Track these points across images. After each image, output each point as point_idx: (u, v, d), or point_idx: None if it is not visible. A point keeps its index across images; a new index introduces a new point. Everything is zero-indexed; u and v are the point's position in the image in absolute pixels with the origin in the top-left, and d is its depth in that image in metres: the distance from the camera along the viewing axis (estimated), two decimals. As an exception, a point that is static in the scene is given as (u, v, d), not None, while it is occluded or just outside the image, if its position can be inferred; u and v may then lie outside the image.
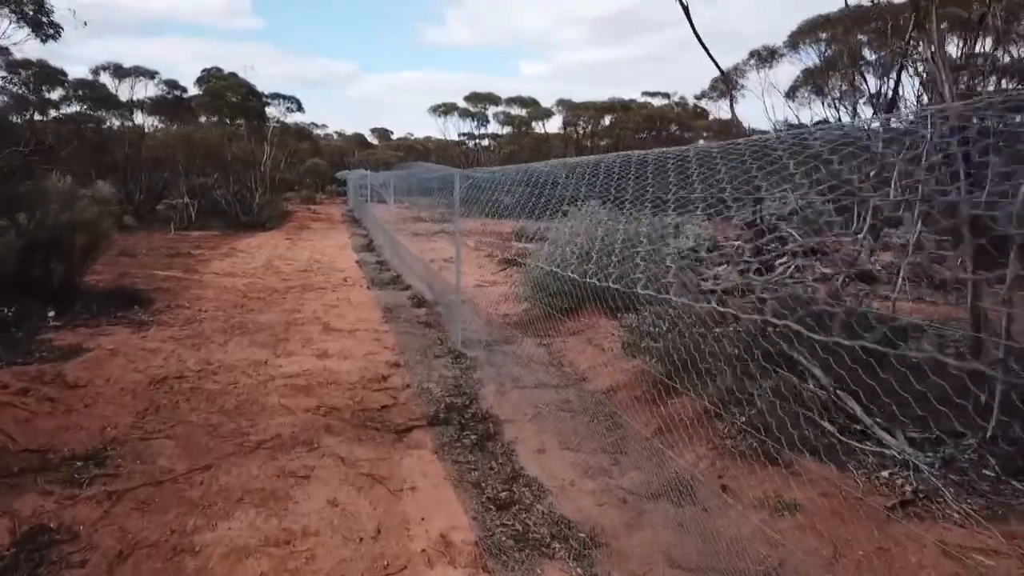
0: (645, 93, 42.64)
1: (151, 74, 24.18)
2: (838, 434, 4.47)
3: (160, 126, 25.00)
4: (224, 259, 15.66)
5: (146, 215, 24.38)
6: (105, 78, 24.53)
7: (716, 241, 14.67)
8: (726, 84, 17.01)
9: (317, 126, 59.58)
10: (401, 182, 17.39)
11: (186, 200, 23.54)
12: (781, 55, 18.21)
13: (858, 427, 4.58)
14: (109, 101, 23.63)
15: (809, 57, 20.22)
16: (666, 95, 42.98)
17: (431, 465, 4.64)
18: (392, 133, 66.60)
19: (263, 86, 29.19)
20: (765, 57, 18.43)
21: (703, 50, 9.01)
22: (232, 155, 24.66)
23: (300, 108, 28.68)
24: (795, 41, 17.32)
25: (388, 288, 12.01)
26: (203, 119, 26.30)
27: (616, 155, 5.65)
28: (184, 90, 25.24)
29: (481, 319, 9.17)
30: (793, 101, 23.28)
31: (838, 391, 4.83)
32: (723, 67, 19.88)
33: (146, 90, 24.14)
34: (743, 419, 4.69)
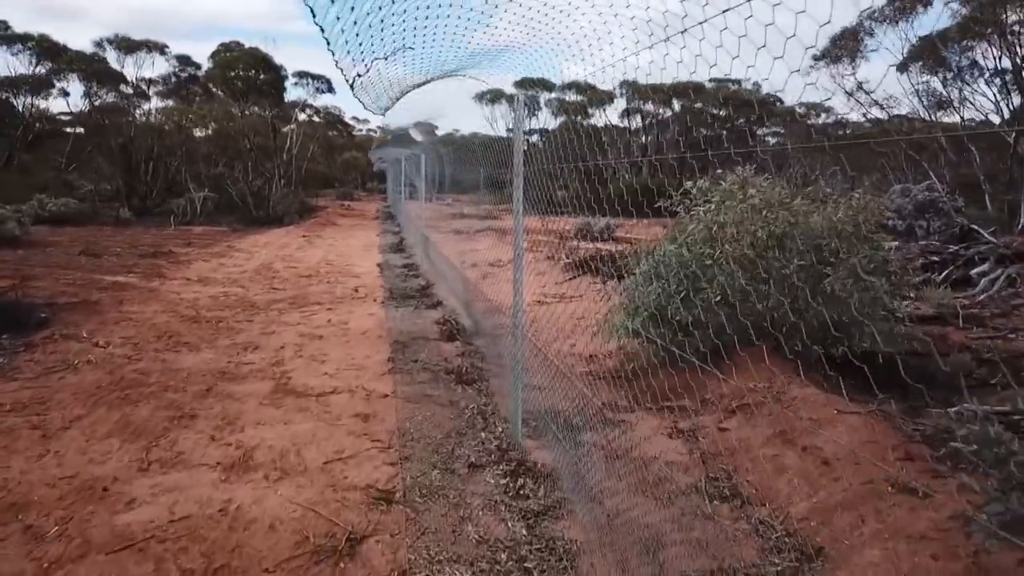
0: (713, 80, 38.47)
1: (160, 48, 21.08)
2: None
3: (167, 105, 21.90)
4: (211, 260, 12.25)
5: (153, 208, 21.31)
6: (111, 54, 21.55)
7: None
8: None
9: (359, 120, 56.82)
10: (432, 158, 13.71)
11: (199, 193, 20.38)
12: (928, 3, 14.01)
13: None
14: (110, 76, 20.59)
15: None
16: (736, 81, 38.75)
17: None
18: (437, 128, 63.49)
19: (293, 66, 25.90)
20: (906, 6, 14.27)
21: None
22: (249, 141, 21.41)
23: (331, 89, 25.31)
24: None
25: (411, 304, 8.36)
26: (231, 109, 23.17)
27: None
28: (197, 67, 22.12)
29: (549, 365, 5.44)
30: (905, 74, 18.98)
31: None
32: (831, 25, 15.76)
33: (154, 66, 21.04)
34: None
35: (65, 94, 22.89)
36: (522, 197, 4.10)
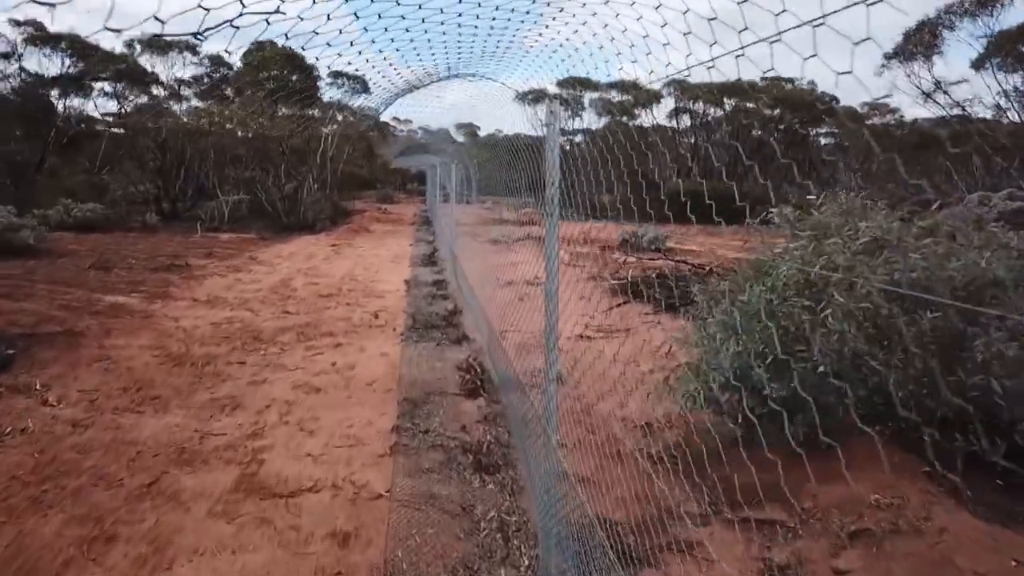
0: (766, 79, 36.72)
1: (192, 48, 20.47)
2: None
3: (200, 106, 21.30)
4: (227, 275, 11.38)
5: (183, 213, 20.73)
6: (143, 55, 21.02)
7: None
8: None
9: (400, 121, 56.28)
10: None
11: (229, 198, 19.73)
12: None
13: None
14: (142, 77, 20.04)
15: None
16: (790, 80, 36.97)
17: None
18: (479, 129, 62.76)
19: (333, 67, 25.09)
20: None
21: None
22: (282, 144, 20.66)
23: (367, 90, 24.41)
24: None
25: (433, 337, 7.30)
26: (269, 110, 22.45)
27: None
28: (229, 67, 21.46)
29: (584, 436, 4.32)
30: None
31: None
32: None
33: (184, 66, 20.44)
34: None
35: (106, 95, 22.52)
36: (557, 231, 2.98)
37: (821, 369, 3.70)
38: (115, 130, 23.22)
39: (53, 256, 12.49)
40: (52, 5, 1.64)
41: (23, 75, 20.93)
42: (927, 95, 14.99)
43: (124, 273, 11.02)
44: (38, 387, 5.03)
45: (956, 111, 15.49)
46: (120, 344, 6.55)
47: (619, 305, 8.59)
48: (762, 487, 3.46)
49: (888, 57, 14.71)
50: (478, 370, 5.81)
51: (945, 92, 15.13)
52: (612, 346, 6.82)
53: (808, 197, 4.62)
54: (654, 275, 10.58)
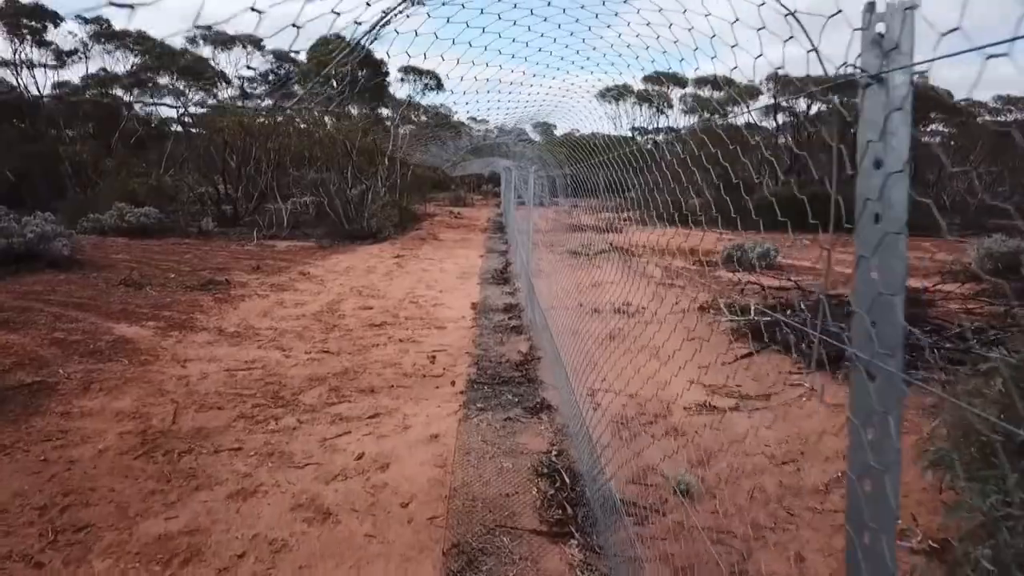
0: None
1: (257, 43, 19.37)
2: None
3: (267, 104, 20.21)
4: (269, 295, 9.87)
5: (244, 217, 19.64)
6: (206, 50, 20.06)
7: None
8: None
9: (476, 120, 54.93)
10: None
11: (289, 202, 18.52)
12: None
13: None
14: (207, 73, 19.04)
15: None
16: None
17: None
18: (555, 128, 61.07)
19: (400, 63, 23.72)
20: None
21: None
22: (350, 146, 19.33)
23: (440, 86, 22.97)
24: None
25: (503, 402, 5.45)
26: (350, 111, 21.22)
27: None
28: (295, 64, 20.30)
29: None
30: None
31: None
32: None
33: (247, 59, 19.36)
34: None
35: (178, 93, 21.75)
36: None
37: None
38: (181, 129, 22.47)
39: (89, 268, 11.29)
40: (131, 7, 1.36)
41: (89, 73, 20.31)
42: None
43: (155, 292, 9.64)
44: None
45: None
46: (91, 409, 4.97)
47: (747, 355, 6.53)
48: None
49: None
50: (565, 479, 3.91)
51: None
52: (750, 424, 4.85)
53: None
54: (780, 306, 8.43)
